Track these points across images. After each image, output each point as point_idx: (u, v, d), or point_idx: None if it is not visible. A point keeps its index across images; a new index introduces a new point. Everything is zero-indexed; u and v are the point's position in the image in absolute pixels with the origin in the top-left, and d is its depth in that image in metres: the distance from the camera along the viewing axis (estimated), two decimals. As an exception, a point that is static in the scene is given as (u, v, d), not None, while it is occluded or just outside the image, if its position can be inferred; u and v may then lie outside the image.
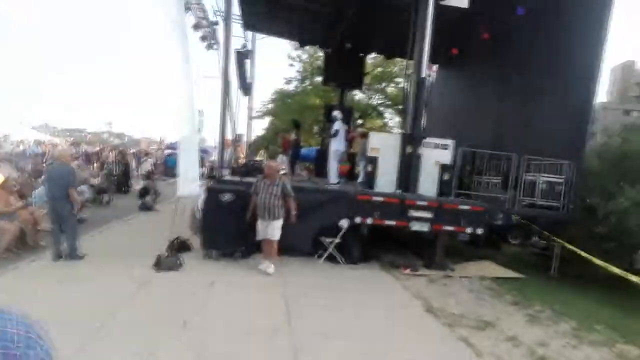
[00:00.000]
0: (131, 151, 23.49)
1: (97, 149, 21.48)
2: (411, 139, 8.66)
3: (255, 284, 6.59)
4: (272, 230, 7.16)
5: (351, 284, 7.05)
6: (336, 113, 10.89)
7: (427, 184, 8.70)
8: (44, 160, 16.07)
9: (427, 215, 8.03)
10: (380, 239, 9.36)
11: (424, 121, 9.15)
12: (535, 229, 9.96)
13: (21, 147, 17.78)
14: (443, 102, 14.63)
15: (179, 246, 7.99)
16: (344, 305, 5.95)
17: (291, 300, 5.87)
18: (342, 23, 13.11)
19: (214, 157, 19.04)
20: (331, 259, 8.12)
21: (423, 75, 8.83)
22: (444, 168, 8.86)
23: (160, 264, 6.87)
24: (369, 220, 8.04)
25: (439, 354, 4.68)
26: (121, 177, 16.59)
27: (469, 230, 8.07)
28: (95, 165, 18.97)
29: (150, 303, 5.46)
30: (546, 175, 9.28)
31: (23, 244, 7.66)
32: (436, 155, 8.83)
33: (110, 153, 20.22)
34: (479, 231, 8.10)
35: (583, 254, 8.12)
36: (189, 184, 7.93)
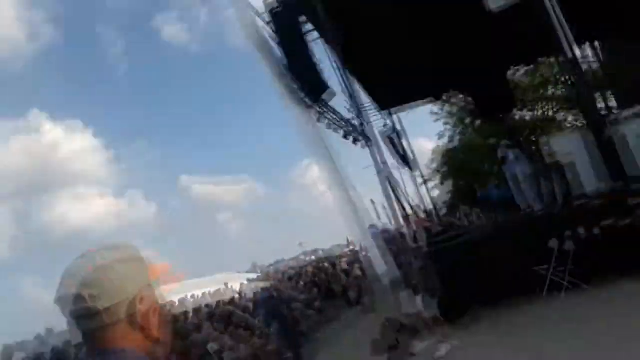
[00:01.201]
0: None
1: (296, 271, 23.50)
2: (599, 124, 7.33)
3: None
4: None
5: (596, 307, 5.84)
6: (503, 142, 10.06)
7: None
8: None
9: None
10: (613, 248, 7.62)
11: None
12: None
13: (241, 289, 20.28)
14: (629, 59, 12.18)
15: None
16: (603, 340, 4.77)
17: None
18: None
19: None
20: (557, 287, 6.89)
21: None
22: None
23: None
24: (581, 230, 6.72)
25: None
26: (323, 286, 17.57)
27: None
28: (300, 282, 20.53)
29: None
30: None
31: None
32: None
33: (308, 269, 21.87)
34: None
35: None
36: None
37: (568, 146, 7.78)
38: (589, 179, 7.47)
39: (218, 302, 15.63)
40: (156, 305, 1.03)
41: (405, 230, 10.58)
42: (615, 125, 7.33)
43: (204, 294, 19.66)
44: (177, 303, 15.63)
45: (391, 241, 11.20)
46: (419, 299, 6.23)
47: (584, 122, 7.99)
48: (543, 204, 8.87)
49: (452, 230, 10.15)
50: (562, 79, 17.23)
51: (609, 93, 7.91)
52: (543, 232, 7.29)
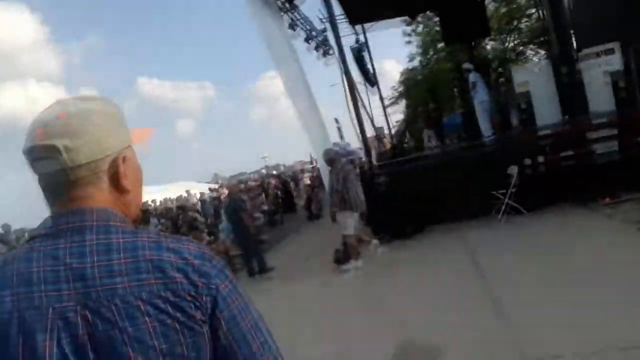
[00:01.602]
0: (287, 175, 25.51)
1: (258, 182, 23.89)
2: (563, 57, 7.58)
3: (435, 255, 6.42)
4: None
5: (541, 230, 6.36)
6: (465, 65, 10.16)
7: (600, 100, 7.49)
8: (220, 203, 18.46)
9: (612, 132, 6.87)
10: (566, 177, 8.28)
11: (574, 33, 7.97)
12: None
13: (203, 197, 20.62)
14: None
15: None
16: (541, 251, 5.36)
17: (481, 260, 5.51)
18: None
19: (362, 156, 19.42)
20: (511, 212, 7.46)
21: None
22: (616, 76, 7.53)
23: (339, 259, 7.19)
24: (541, 159, 7.21)
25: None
26: (285, 199, 18.08)
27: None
28: (262, 195, 21.06)
29: (340, 291, 5.76)
30: None
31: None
32: (602, 64, 7.57)
33: (271, 180, 22.35)
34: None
35: None
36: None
37: (531, 78, 8.02)
38: (549, 111, 7.82)
39: (183, 206, 15.99)
40: (138, 170, 0.95)
41: (366, 150, 10.80)
42: (579, 62, 7.58)
43: (165, 199, 19.84)
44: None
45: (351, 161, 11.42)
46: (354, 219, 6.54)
47: (550, 56, 8.15)
48: (496, 131, 9.32)
49: (411, 153, 10.56)
50: (535, 12, 17.19)
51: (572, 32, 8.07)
52: (497, 160, 7.77)
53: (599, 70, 7.59)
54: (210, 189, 22.46)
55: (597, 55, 7.65)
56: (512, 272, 4.84)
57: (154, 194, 19.67)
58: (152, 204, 18.79)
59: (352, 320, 4.56)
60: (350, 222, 6.53)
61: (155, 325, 0.76)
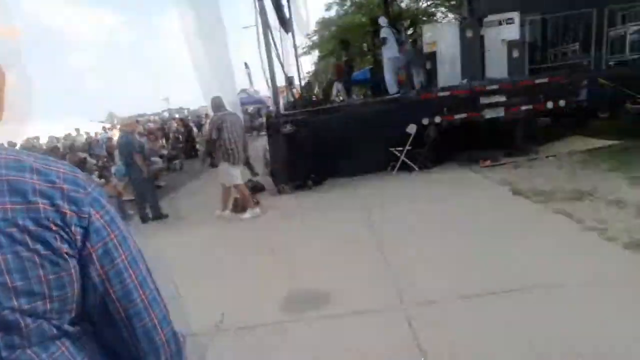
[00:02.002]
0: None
1: (159, 125, 22.54)
2: (470, 21, 7.84)
3: (332, 206, 6.52)
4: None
5: (429, 186, 6.79)
6: (380, 20, 10.13)
7: (497, 67, 7.95)
8: (113, 144, 17.14)
9: (501, 99, 7.37)
10: (455, 139, 8.86)
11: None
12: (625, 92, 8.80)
13: (96, 137, 19.02)
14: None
15: (253, 187, 8.18)
16: (425, 205, 5.74)
17: (373, 212, 5.74)
18: None
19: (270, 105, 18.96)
20: (405, 168, 7.85)
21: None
22: (512, 45, 7.98)
23: (237, 206, 7.05)
24: (437, 119, 7.56)
25: (537, 229, 4.32)
26: (186, 143, 17.24)
27: (549, 105, 7.29)
28: (162, 139, 19.92)
29: (234, 240, 5.64)
30: (637, 23, 7.97)
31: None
32: (502, 32, 7.96)
33: (172, 123, 21.17)
34: (562, 103, 7.30)
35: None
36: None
37: (439, 38, 8.21)
38: (452, 73, 8.11)
39: (71, 146, 14.56)
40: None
41: (274, 99, 10.45)
42: (483, 27, 7.89)
43: (50, 137, 17.93)
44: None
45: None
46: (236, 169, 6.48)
47: (459, 19, 8.40)
48: (401, 89, 9.56)
49: (319, 104, 10.46)
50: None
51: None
52: (399, 117, 8.01)
53: (499, 37, 7.99)
54: (104, 129, 20.74)
55: (499, 23, 8.02)
56: (397, 221, 5.16)
57: (38, 131, 17.60)
58: (36, 141, 16.89)
59: (244, 268, 4.50)
60: (233, 172, 6.45)
61: (7, 258, 0.65)
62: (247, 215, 6.54)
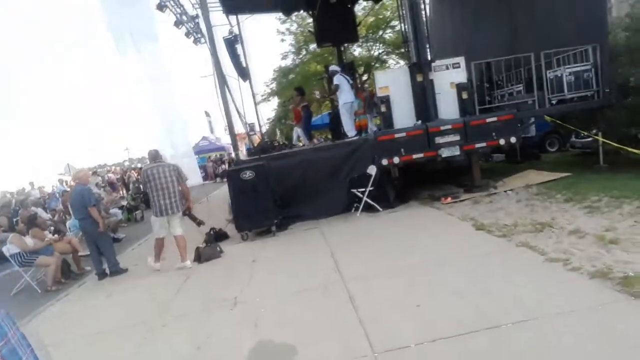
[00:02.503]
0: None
1: (119, 175, 21.90)
2: (419, 66, 8.17)
3: (297, 251, 6.38)
4: (176, 224, 6.68)
5: (393, 225, 6.78)
6: (332, 67, 10.45)
7: (447, 108, 8.23)
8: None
9: (455, 138, 7.61)
10: (415, 179, 9.03)
11: (429, 47, 8.66)
12: (570, 127, 9.36)
13: (51, 190, 18.25)
14: (445, 21, 13.63)
15: (216, 236, 7.95)
16: (391, 244, 5.69)
17: (337, 253, 5.64)
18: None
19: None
20: (368, 209, 7.86)
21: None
22: (460, 88, 8.35)
23: (200, 256, 6.80)
24: (396, 159, 7.69)
25: (503, 264, 4.31)
26: (146, 194, 16.70)
27: (502, 141, 7.58)
28: (122, 190, 19.33)
29: (197, 292, 5.34)
30: (571, 66, 8.59)
31: (70, 274, 7.77)
32: (450, 76, 8.33)
33: (133, 173, 20.63)
34: (513, 139, 7.60)
35: (628, 148, 7.54)
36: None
37: (391, 83, 8.48)
38: (406, 115, 8.34)
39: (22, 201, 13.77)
40: None
41: (233, 145, 10.38)
42: (432, 72, 8.23)
43: (3, 193, 17.03)
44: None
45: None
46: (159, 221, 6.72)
47: (409, 64, 8.74)
48: (358, 132, 9.75)
49: (275, 150, 10.48)
50: (398, 24, 18.59)
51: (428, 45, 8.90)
52: (358, 159, 8.12)
53: (447, 81, 8.35)
54: (60, 181, 19.96)
55: (447, 67, 8.41)
56: (363, 264, 5.07)
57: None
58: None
59: (206, 322, 4.21)
60: (153, 222, 6.96)
61: None
62: (181, 264, 6.55)
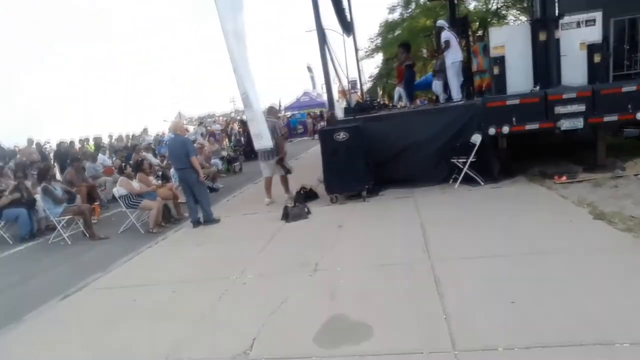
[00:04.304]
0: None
1: (223, 126, 22.98)
2: (544, 23, 7.12)
3: (386, 221, 6.10)
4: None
5: (494, 204, 6.14)
6: (439, 22, 9.56)
7: (573, 73, 7.15)
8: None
9: (579, 108, 6.58)
10: (526, 151, 8.11)
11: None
12: None
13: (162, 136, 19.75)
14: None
15: (306, 196, 7.99)
16: (488, 225, 5.16)
17: (428, 230, 5.27)
18: None
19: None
20: (468, 181, 7.26)
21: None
22: (593, 49, 7.16)
23: (288, 215, 6.87)
24: (506, 129, 6.89)
25: (625, 268, 3.61)
26: (247, 145, 17.37)
27: (639, 115, 6.41)
28: (224, 141, 20.32)
29: (281, 252, 5.39)
30: None
31: (170, 218, 8.41)
32: (581, 35, 7.17)
33: (235, 125, 21.54)
34: (654, 114, 6.39)
35: None
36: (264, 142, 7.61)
37: (508, 41, 7.55)
38: (522, 79, 7.45)
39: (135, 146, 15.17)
40: None
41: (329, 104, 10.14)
42: (559, 30, 7.15)
43: (120, 136, 18.84)
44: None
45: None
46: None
47: (531, 20, 7.66)
48: (463, 96, 8.95)
49: (374, 110, 10.06)
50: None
51: None
52: (463, 126, 7.46)
53: (577, 40, 7.20)
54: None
55: (578, 24, 7.23)
56: (456, 247, 4.61)
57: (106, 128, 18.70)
58: (109, 139, 17.84)
59: (279, 287, 4.21)
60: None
61: None
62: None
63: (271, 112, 8.67)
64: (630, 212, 4.81)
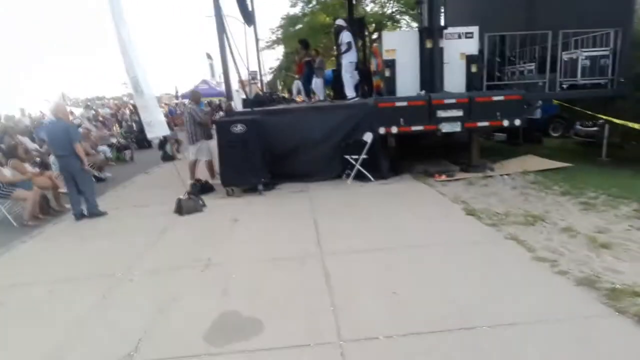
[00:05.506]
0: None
1: (113, 110, 21.26)
2: (430, 32, 7.69)
3: (280, 215, 6.18)
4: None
5: (381, 198, 6.55)
6: (339, 22, 9.85)
7: (454, 80, 7.84)
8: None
9: (458, 113, 7.26)
10: (411, 151, 8.74)
11: (443, 11, 8.12)
12: (579, 113, 9.00)
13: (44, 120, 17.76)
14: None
15: (201, 189, 7.74)
16: (376, 220, 5.49)
17: (320, 223, 5.46)
18: None
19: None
20: (360, 177, 7.62)
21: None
22: (470, 60, 7.92)
23: (181, 208, 6.59)
24: (394, 129, 7.37)
25: (488, 257, 4.13)
26: (140, 133, 16.29)
27: (506, 123, 7.26)
28: (114, 126, 18.86)
29: (172, 247, 5.16)
30: (588, 50, 8.13)
31: (49, 210, 7.58)
32: (461, 46, 7.88)
33: (126, 110, 20.06)
34: (517, 122, 7.29)
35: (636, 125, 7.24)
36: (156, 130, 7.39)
37: (399, 46, 8.01)
38: (410, 83, 7.95)
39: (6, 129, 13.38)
40: None
41: (227, 95, 9.89)
42: (442, 39, 7.76)
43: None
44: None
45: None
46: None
47: (420, 28, 8.21)
48: (358, 95, 9.33)
49: (272, 103, 10.08)
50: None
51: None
52: (355, 124, 7.79)
53: (458, 50, 7.90)
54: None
55: (459, 36, 7.93)
56: (346, 239, 4.83)
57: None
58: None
59: (170, 281, 4.06)
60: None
61: None
62: None
63: (193, 97, 8.91)
64: (495, 209, 5.46)
